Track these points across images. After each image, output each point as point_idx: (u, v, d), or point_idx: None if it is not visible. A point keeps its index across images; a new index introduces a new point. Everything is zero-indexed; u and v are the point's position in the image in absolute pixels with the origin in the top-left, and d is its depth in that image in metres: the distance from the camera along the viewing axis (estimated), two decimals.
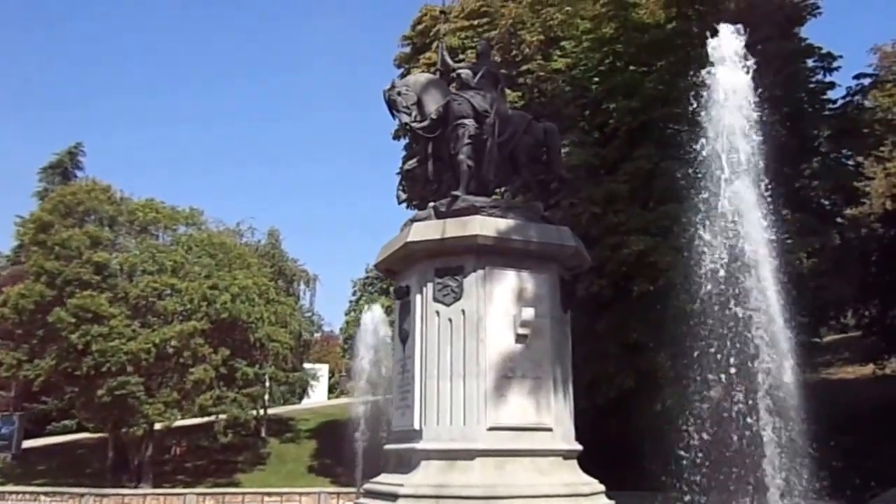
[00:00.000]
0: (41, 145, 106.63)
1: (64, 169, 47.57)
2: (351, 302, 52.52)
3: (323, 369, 51.46)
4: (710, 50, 9.01)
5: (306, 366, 42.51)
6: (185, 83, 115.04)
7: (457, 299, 9.52)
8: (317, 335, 52.45)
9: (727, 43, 9.19)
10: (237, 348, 29.92)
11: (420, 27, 24.37)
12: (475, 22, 22.43)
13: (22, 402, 37.78)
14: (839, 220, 18.74)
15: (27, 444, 36.18)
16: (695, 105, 9.03)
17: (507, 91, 18.95)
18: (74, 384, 28.76)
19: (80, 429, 36.21)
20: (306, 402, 46.19)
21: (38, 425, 39.80)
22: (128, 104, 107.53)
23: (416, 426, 9.43)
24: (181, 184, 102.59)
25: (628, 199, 17.89)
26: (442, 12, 14.98)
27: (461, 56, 18.17)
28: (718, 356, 8.01)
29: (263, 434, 35.94)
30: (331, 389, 54.75)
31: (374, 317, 17.58)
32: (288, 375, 34.07)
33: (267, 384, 33.31)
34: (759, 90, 9.17)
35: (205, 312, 28.24)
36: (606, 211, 17.66)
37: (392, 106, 10.97)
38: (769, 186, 8.91)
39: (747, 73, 8.99)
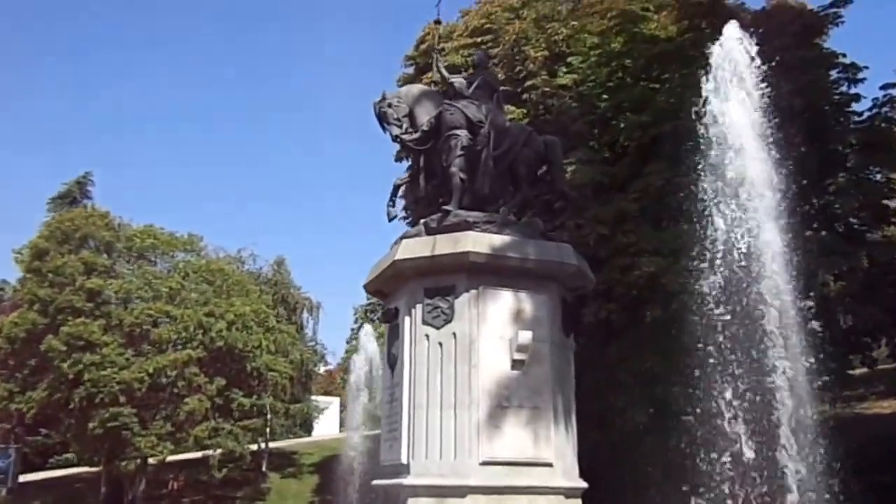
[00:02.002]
0: (53, 176, 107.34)
1: (73, 199, 47.32)
2: (353, 330, 51.65)
3: (334, 402, 50.59)
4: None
5: (316, 398, 41.75)
6: (195, 115, 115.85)
7: (448, 321, 8.97)
8: (327, 367, 51.62)
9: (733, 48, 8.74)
10: (233, 378, 29.37)
11: (423, 46, 24.03)
12: (479, 39, 22.16)
13: (24, 434, 37.14)
14: (868, 238, 17.79)
15: (26, 477, 35.53)
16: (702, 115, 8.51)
17: (512, 108, 18.63)
18: (68, 416, 28.29)
19: (81, 462, 35.51)
20: (315, 435, 45.32)
21: (42, 458, 39.16)
22: (138, 135, 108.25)
23: (404, 460, 8.82)
24: (187, 212, 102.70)
25: (639, 218, 17.21)
26: (437, 22, 14.44)
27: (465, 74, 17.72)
28: (737, 388, 7.54)
29: (264, 468, 35.04)
30: (343, 423, 53.84)
31: (370, 344, 16.92)
32: (288, 407, 33.25)
33: (268, 416, 32.49)
34: (776, 96, 8.63)
35: (200, 341, 27.80)
36: (615, 231, 16.96)
37: (382, 118, 10.47)
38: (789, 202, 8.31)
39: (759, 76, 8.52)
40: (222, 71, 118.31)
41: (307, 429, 46.86)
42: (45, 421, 32.24)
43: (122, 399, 26.37)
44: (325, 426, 47.79)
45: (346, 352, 51.44)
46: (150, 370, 26.64)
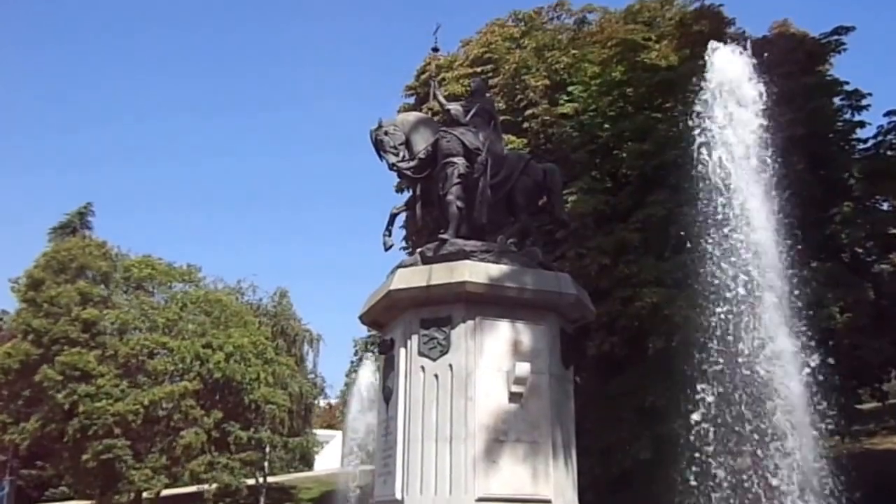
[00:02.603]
0: (56, 206, 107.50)
1: (73, 229, 47.19)
2: (353, 362, 51.12)
3: (336, 436, 49.99)
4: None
5: (316, 432, 41.18)
6: (200, 139, 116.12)
7: (444, 353, 8.69)
8: (327, 400, 50.98)
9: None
10: (231, 410, 29.03)
11: (424, 76, 24.06)
12: (479, 69, 22.11)
13: (19, 467, 36.65)
14: (875, 269, 17.49)
15: None
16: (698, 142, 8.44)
17: (513, 137, 18.51)
18: (62, 448, 27.90)
19: (76, 495, 35.04)
20: (317, 470, 44.64)
21: (38, 490, 38.73)
22: (141, 165, 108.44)
23: (398, 495, 8.51)
24: (188, 241, 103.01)
25: (641, 248, 17.02)
26: (435, 49, 14.29)
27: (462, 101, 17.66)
28: (741, 425, 7.47)
29: (261, 503, 34.48)
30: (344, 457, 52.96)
31: (369, 376, 16.63)
32: (287, 440, 32.78)
33: (266, 450, 32.02)
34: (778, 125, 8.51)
35: (197, 372, 27.47)
36: (617, 261, 16.79)
37: (378, 146, 10.27)
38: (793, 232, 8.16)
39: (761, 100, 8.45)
40: (226, 82, 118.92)
41: (308, 463, 46.16)
42: (41, 453, 31.86)
43: (116, 431, 26.05)
44: (327, 460, 47.12)
45: (346, 384, 50.95)
46: (146, 402, 26.31)
